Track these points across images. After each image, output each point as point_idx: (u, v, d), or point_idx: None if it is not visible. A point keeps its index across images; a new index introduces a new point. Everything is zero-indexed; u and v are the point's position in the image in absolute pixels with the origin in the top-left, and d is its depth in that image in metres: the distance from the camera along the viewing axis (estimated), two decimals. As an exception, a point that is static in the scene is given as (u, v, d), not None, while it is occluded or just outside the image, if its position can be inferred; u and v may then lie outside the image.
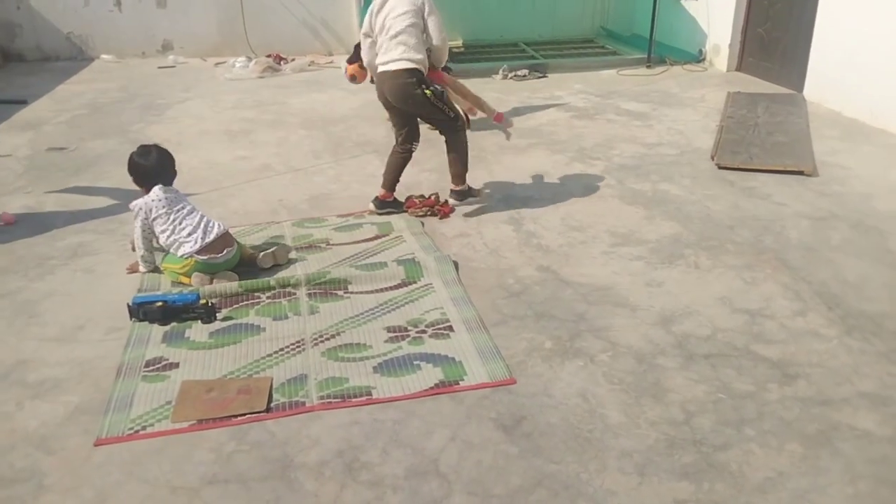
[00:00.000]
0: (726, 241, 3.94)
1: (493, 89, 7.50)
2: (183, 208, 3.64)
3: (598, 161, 5.27)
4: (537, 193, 4.67)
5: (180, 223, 3.60)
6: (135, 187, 3.78)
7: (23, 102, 6.97)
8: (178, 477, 2.33)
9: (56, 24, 9.01)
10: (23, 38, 9.00)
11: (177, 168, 3.78)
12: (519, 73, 8.01)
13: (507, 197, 4.61)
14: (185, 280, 3.56)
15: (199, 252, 3.53)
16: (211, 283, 3.53)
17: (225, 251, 3.60)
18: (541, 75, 8.06)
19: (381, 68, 4.17)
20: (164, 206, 3.59)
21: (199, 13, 9.18)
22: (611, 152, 5.46)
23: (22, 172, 5.18)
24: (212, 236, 3.58)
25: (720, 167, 5.05)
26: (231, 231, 3.79)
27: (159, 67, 8.63)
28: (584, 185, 4.80)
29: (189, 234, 3.58)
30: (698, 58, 8.41)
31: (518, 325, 3.17)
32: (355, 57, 5.41)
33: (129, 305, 3.25)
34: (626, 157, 5.36)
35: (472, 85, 7.58)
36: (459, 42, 9.59)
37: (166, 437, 2.52)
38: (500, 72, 8.03)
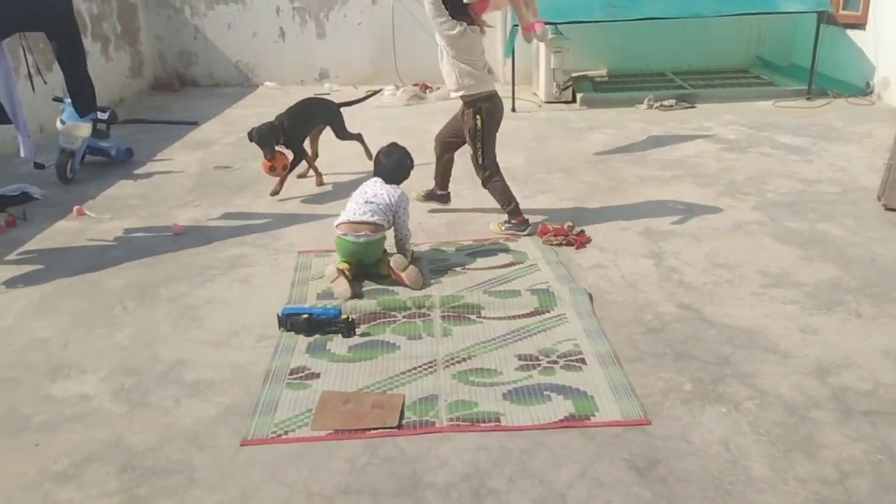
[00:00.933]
0: (893, 289, 3.60)
1: (637, 119, 7.35)
2: (363, 193, 3.98)
3: (750, 196, 5.01)
4: (680, 227, 4.51)
5: (352, 203, 3.98)
6: (288, 209, 4.08)
7: (194, 124, 7.66)
8: (315, 483, 2.44)
9: (227, 53, 9.87)
10: (198, 65, 9.93)
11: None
12: (665, 102, 7.81)
13: (648, 230, 4.49)
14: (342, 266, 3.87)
15: (338, 225, 3.91)
16: (349, 272, 3.81)
17: (364, 234, 3.84)
18: (689, 105, 7.81)
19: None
20: (359, 191, 4.03)
21: (355, 44, 9.73)
22: (764, 187, 5.17)
23: (192, 188, 5.69)
24: (356, 217, 3.88)
25: (888, 208, 4.64)
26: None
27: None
28: (732, 221, 4.57)
29: (345, 211, 3.96)
30: (865, 91, 7.82)
31: (655, 363, 3.06)
32: (271, 152, 5.20)
33: (278, 315, 3.46)
34: (781, 193, 5.06)
35: (615, 115, 7.52)
36: (604, 71, 9.50)
37: (305, 443, 2.65)
38: (646, 101, 7.86)
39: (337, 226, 3.94)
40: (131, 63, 9.22)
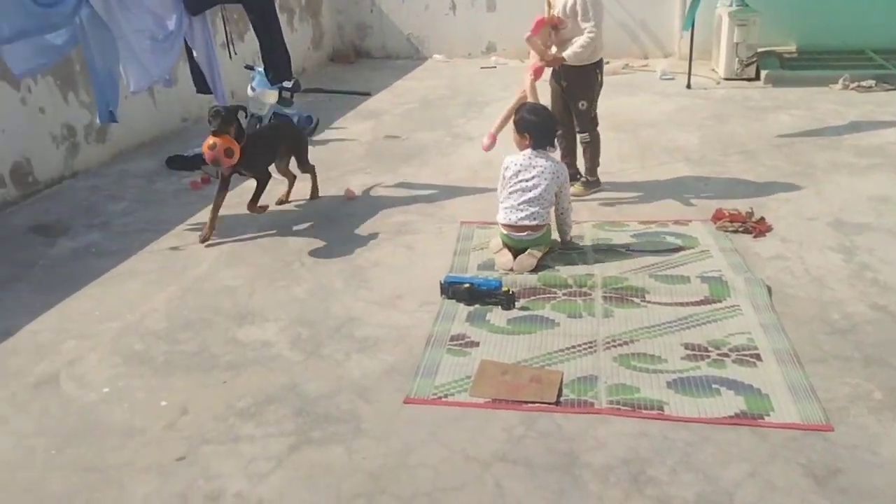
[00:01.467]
0: None
1: (830, 100, 6.72)
2: (519, 182, 3.80)
3: (963, 191, 4.44)
4: (876, 221, 4.08)
5: (508, 193, 3.85)
6: (452, 180, 4.11)
7: (367, 94, 7.96)
8: (473, 447, 2.50)
9: (399, 25, 10.15)
10: (372, 37, 10.29)
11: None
12: (863, 83, 7.06)
13: (838, 221, 4.11)
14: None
15: (503, 226, 3.85)
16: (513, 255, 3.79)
17: (526, 233, 3.79)
18: (891, 87, 7.01)
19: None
20: (511, 171, 3.85)
21: (524, 17, 9.58)
22: (981, 182, 4.56)
23: (363, 155, 5.95)
24: (514, 220, 3.80)
25: None
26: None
27: (481, 68, 9.25)
28: (941, 217, 4.08)
29: (504, 207, 3.86)
30: None
31: (841, 366, 2.81)
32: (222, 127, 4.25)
33: (440, 283, 3.56)
34: None
35: (804, 95, 6.92)
36: (793, 47, 8.73)
37: (464, 408, 2.72)
38: (840, 81, 7.15)
39: (498, 219, 3.89)
40: (313, 35, 9.73)
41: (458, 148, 5.94)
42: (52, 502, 2.34)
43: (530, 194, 3.77)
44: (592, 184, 4.77)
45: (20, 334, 3.38)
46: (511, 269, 3.74)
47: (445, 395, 2.80)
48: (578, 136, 4.69)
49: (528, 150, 3.86)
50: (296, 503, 2.30)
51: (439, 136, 6.30)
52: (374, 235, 4.34)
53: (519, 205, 3.79)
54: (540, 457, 2.44)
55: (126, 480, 2.43)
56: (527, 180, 3.79)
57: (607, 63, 8.67)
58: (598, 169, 4.78)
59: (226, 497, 2.34)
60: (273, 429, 2.66)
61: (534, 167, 3.81)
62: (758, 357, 2.91)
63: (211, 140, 4.20)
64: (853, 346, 2.93)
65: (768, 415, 2.57)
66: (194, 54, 4.99)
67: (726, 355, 2.94)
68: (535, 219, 3.77)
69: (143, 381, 2.99)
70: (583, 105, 4.57)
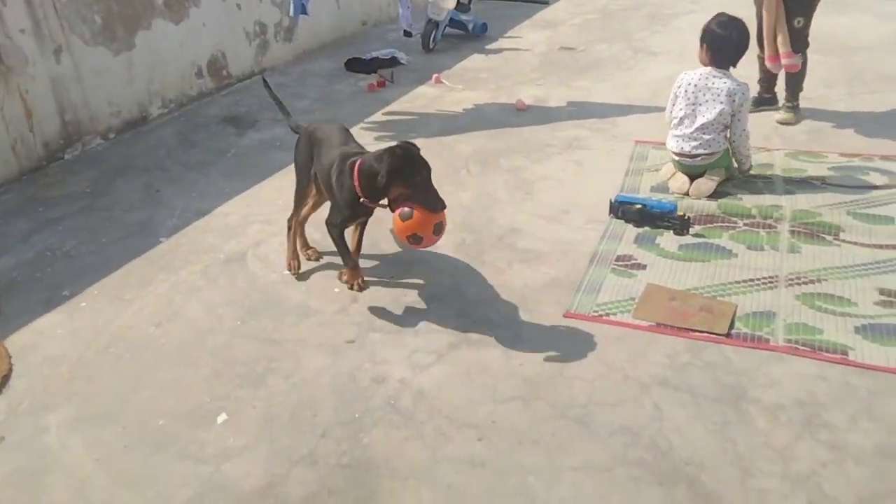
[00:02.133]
0: None
1: None
2: (691, 104, 3.54)
3: None
4: None
5: (680, 118, 3.58)
6: (629, 97, 3.86)
7: (545, 3, 7.69)
8: (633, 368, 2.45)
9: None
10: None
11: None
12: None
13: None
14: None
15: (675, 153, 3.61)
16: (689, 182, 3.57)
17: (700, 159, 3.54)
18: None
19: None
20: (684, 90, 3.58)
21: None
22: None
23: (537, 66, 5.79)
24: (685, 149, 3.55)
25: None
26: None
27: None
28: None
29: (675, 134, 3.62)
30: None
31: None
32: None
33: (610, 202, 3.44)
34: None
35: None
36: None
37: (626, 328, 2.66)
38: None
39: (668, 146, 3.66)
40: (492, -60, 9.46)
41: (638, 63, 5.62)
42: (236, 365, 2.60)
43: (703, 119, 3.49)
44: (797, 108, 4.32)
45: (213, 215, 3.71)
46: (686, 194, 3.54)
47: (607, 314, 2.75)
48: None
49: (708, 68, 3.56)
50: (453, 395, 2.39)
51: (618, 50, 5.98)
52: (542, 148, 4.26)
53: (692, 133, 3.53)
54: (705, 386, 2.35)
55: (301, 354, 2.64)
56: (701, 104, 3.51)
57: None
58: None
59: (390, 381, 2.48)
60: (435, 325, 2.76)
61: (710, 89, 3.50)
62: (972, 311, 2.58)
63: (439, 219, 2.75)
64: None
65: (977, 375, 2.29)
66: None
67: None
68: (709, 147, 3.51)
69: (319, 268, 3.19)
70: (799, 22, 4.07)
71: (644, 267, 3.04)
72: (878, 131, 4.10)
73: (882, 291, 2.75)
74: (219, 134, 4.77)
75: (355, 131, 4.66)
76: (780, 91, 4.44)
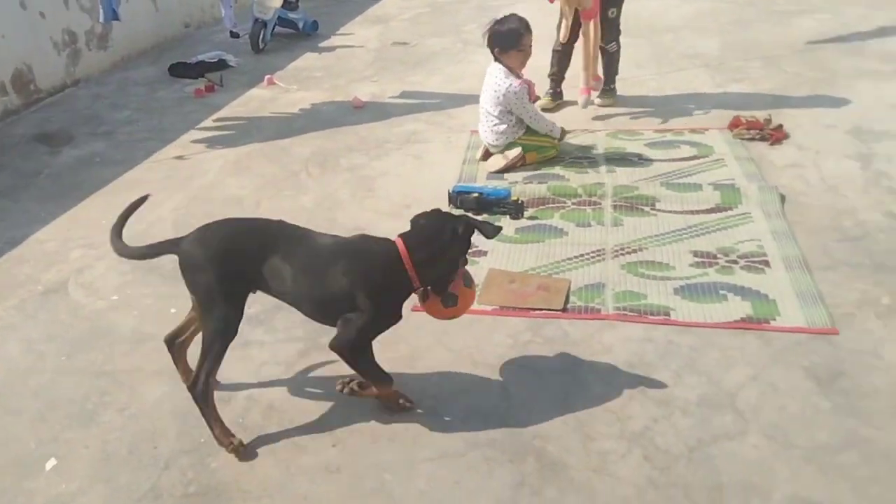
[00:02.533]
0: None
1: (857, 3, 6.40)
2: (484, 97, 3.88)
3: None
4: (898, 128, 3.97)
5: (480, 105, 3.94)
6: (463, 88, 3.99)
7: (375, -1, 7.69)
8: (479, 353, 2.53)
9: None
10: (380, -61, 9.84)
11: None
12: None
13: (858, 129, 3.99)
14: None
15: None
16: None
17: (497, 146, 3.89)
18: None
19: None
20: (483, 83, 3.90)
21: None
22: None
23: (371, 62, 5.80)
24: (482, 137, 3.95)
25: None
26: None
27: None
28: (964, 125, 3.95)
29: (481, 119, 3.95)
30: None
31: (851, 273, 2.79)
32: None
33: (449, 193, 3.51)
34: None
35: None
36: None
37: (472, 315, 2.72)
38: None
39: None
40: (316, -64, 9.33)
41: (468, 55, 5.77)
42: (63, 405, 2.41)
43: (490, 112, 3.82)
44: (613, 91, 4.62)
45: (27, 243, 3.41)
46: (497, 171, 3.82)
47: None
48: (605, 47, 4.41)
49: (495, 64, 3.84)
50: (305, 404, 2.35)
51: (449, 43, 6.11)
52: (381, 145, 4.27)
53: (482, 121, 3.87)
54: (546, 361, 2.47)
55: (137, 384, 2.49)
56: (487, 98, 3.83)
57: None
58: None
59: (237, 399, 2.39)
60: (282, 335, 2.70)
61: (490, 84, 3.83)
62: (766, 263, 2.88)
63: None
64: (864, 252, 2.90)
65: (774, 319, 2.57)
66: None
67: (735, 262, 2.91)
68: (503, 137, 3.82)
69: (152, 289, 3.01)
70: (612, 13, 4.32)
71: (485, 253, 3.13)
72: (685, 106, 4.48)
73: (696, 254, 3.01)
74: (29, 154, 4.38)
75: (184, 141, 4.47)
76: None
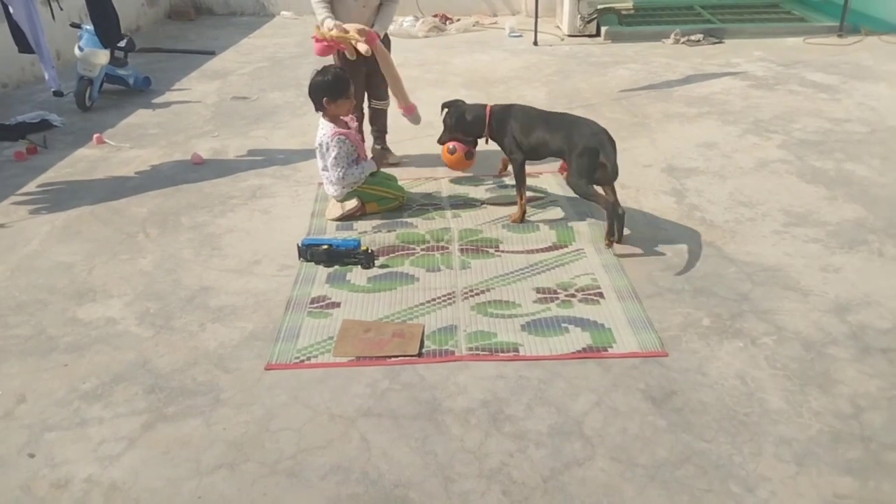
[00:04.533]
0: (919, 230, 3.56)
1: (663, 54, 7.17)
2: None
3: (776, 134, 4.91)
4: (704, 165, 4.44)
5: None
6: (307, 141, 4.01)
7: (211, 53, 7.56)
8: (337, 406, 2.50)
9: (243, -19, 9.65)
10: (214, -7, 9.73)
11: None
12: (692, 37, 7.59)
13: (671, 167, 4.43)
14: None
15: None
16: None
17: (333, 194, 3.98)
18: (717, 41, 7.58)
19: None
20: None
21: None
22: (791, 126, 5.06)
23: (210, 118, 5.66)
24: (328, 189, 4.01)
25: (918, 148, 4.54)
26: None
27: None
28: (757, 159, 4.50)
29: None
30: (901, 26, 7.54)
31: (674, 298, 3.06)
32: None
33: (298, 246, 3.49)
34: (809, 132, 4.95)
35: (640, 49, 7.33)
36: (630, 4, 9.19)
37: (327, 368, 2.71)
38: (672, 36, 7.65)
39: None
40: (146, -10, 9.05)
41: (311, 107, 5.76)
42: None
43: (320, 165, 3.95)
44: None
45: None
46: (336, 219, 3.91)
47: (308, 358, 2.77)
48: (379, 104, 4.59)
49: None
50: (152, 481, 2.21)
51: (291, 97, 6.11)
52: (226, 201, 4.17)
53: (325, 177, 3.96)
54: (404, 408, 2.49)
55: None
56: (317, 151, 3.96)
57: (458, 20, 8.82)
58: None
59: (74, 483, 2.20)
60: (123, 408, 2.53)
61: (319, 131, 3.94)
62: (601, 295, 3.10)
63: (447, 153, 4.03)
64: (684, 279, 3.20)
65: (611, 346, 2.76)
66: (11, 10, 4.48)
67: (573, 296, 3.11)
68: (329, 184, 3.93)
69: (-29, 372, 2.73)
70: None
71: (339, 305, 3.13)
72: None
73: (538, 290, 3.18)
74: None
75: (5, 207, 4.12)
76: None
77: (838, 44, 7.33)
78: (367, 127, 4.65)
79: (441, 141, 3.98)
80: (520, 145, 3.72)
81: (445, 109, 3.95)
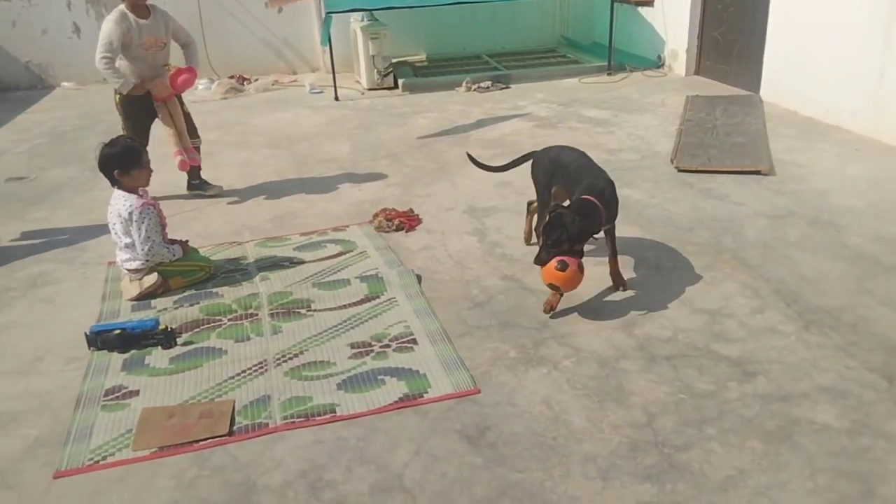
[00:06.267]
0: (686, 243, 3.98)
1: (458, 102, 7.54)
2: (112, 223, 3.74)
3: (561, 169, 5.31)
4: (501, 203, 4.69)
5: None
6: (95, 219, 3.74)
7: (-19, 133, 6.86)
8: (139, 506, 2.29)
9: (14, 53, 8.92)
10: (-20, 68, 8.89)
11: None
12: (482, 84, 8.08)
13: (472, 208, 4.63)
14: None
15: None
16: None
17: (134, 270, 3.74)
18: (504, 86, 8.12)
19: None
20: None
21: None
22: (573, 159, 5.50)
23: (-22, 204, 5.10)
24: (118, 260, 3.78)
25: (680, 170, 5.11)
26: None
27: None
28: (547, 193, 4.83)
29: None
30: (658, 63, 8.55)
31: (482, 335, 3.17)
32: None
33: (86, 335, 3.20)
34: (589, 163, 5.41)
35: (436, 98, 7.68)
36: (423, 56, 9.64)
37: (127, 465, 2.48)
38: (464, 84, 8.09)
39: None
40: None
41: (99, 182, 5.34)
42: None
43: (116, 240, 3.72)
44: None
45: None
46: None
47: (104, 458, 2.53)
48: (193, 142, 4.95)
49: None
50: None
51: (75, 172, 5.68)
52: (1, 295, 3.74)
53: (123, 255, 3.70)
54: (215, 495, 2.34)
55: None
56: (111, 225, 3.72)
57: (256, 80, 8.73)
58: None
59: None
60: None
61: (113, 209, 3.69)
62: (414, 342, 3.14)
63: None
64: (490, 315, 3.33)
65: (427, 392, 2.79)
66: None
67: (388, 346, 3.12)
68: (129, 260, 3.67)
69: None
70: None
71: (137, 393, 2.89)
72: (327, 207, 4.75)
73: (353, 345, 3.15)
74: None
75: None
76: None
77: (608, 81, 8.15)
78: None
79: (542, 261, 3.22)
80: None
81: (549, 223, 3.22)
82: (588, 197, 3.31)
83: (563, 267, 3.14)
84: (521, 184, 5.02)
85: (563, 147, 3.88)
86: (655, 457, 2.41)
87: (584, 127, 6.38)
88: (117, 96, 4.77)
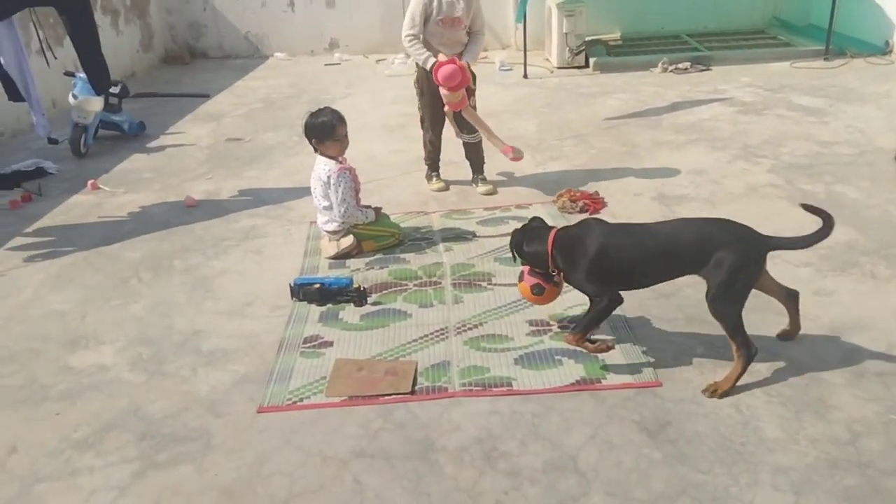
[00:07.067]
0: (910, 250, 3.56)
1: (651, 83, 7.24)
2: (314, 187, 3.99)
3: (765, 159, 4.94)
4: (694, 192, 4.46)
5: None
6: (300, 181, 4.04)
7: (205, 96, 7.65)
8: (329, 448, 2.48)
9: (236, 24, 9.81)
10: (207, 37, 9.87)
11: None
12: (680, 66, 7.68)
13: (661, 195, 4.45)
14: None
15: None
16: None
17: (333, 232, 3.98)
18: (704, 68, 7.68)
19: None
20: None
21: (364, 13, 9.62)
22: (779, 150, 5.10)
23: (204, 160, 5.71)
24: (320, 223, 4.05)
25: (906, 168, 4.56)
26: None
27: (326, 65, 9.14)
28: (746, 185, 4.52)
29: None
30: (884, 50, 7.63)
31: (667, 327, 3.05)
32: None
33: (290, 286, 3.49)
34: (798, 155, 4.98)
35: (629, 79, 7.42)
36: (617, 34, 9.33)
37: (320, 409, 2.69)
38: (660, 65, 7.74)
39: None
40: (141, 36, 9.19)
41: (304, 147, 5.75)
42: None
43: (318, 201, 3.96)
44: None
45: None
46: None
47: (300, 400, 2.76)
48: (468, 138, 4.72)
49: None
50: (143, 531, 2.18)
51: (284, 137, 6.16)
52: (218, 243, 4.18)
53: (322, 212, 3.96)
54: (397, 447, 2.47)
55: None
56: (315, 188, 3.96)
57: (448, 56, 8.93)
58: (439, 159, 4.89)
59: (64, 536, 2.18)
60: (114, 457, 2.50)
61: (316, 173, 3.94)
62: (595, 327, 3.09)
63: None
64: (676, 308, 3.20)
65: (605, 378, 2.75)
66: (1, 60, 4.55)
67: (566, 327, 3.10)
68: (329, 221, 3.92)
69: (-39, 424, 2.71)
70: (472, 101, 4.63)
71: (331, 344, 3.12)
72: (511, 184, 4.79)
73: (531, 323, 3.17)
74: None
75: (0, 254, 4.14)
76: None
77: (824, 67, 7.42)
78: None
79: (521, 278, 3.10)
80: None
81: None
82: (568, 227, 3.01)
83: (539, 291, 2.98)
84: (717, 173, 4.75)
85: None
86: (857, 478, 2.20)
87: (794, 115, 5.87)
88: (415, 73, 4.67)
